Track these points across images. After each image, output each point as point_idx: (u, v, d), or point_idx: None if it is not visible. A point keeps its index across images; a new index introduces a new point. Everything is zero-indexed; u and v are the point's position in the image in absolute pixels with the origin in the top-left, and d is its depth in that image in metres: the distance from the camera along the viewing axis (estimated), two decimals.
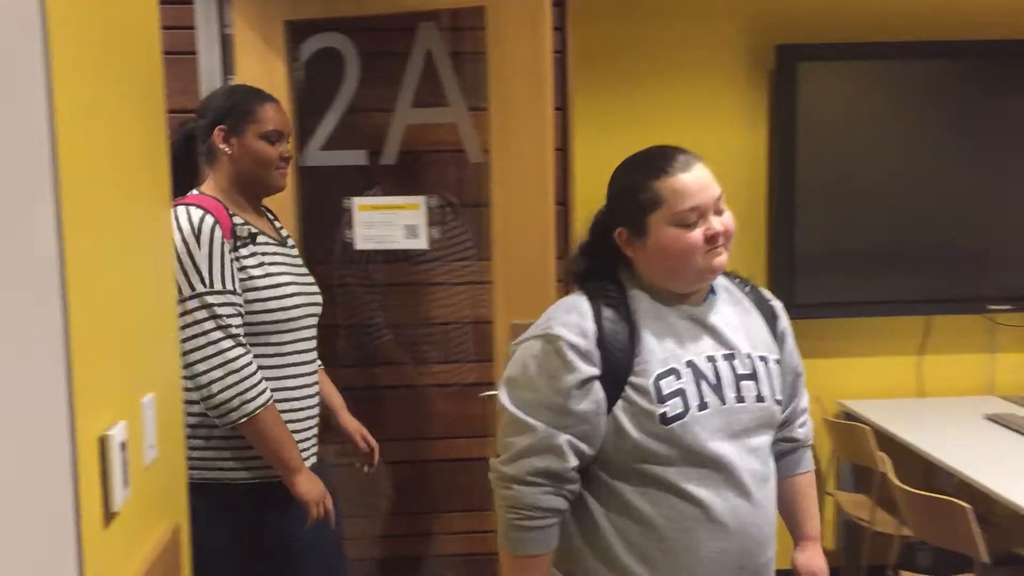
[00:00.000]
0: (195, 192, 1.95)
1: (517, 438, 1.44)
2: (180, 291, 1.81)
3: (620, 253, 1.53)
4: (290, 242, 2.08)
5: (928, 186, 3.29)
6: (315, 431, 2.03)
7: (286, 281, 1.93)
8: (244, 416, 1.80)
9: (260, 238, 1.94)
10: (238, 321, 1.84)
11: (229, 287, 1.83)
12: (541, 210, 2.31)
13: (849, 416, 3.21)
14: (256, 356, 1.87)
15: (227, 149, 1.93)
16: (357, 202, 2.65)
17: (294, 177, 2.55)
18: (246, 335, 1.86)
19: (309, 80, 2.71)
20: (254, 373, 1.82)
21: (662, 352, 1.45)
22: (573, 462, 1.43)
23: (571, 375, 1.42)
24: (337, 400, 2.22)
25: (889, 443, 2.90)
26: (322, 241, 2.75)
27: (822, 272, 3.29)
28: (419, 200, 2.64)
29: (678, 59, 3.24)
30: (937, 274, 3.32)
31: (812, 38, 3.22)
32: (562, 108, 2.88)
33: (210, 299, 1.80)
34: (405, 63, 2.71)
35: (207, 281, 1.81)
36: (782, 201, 3.25)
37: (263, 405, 1.82)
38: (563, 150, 2.92)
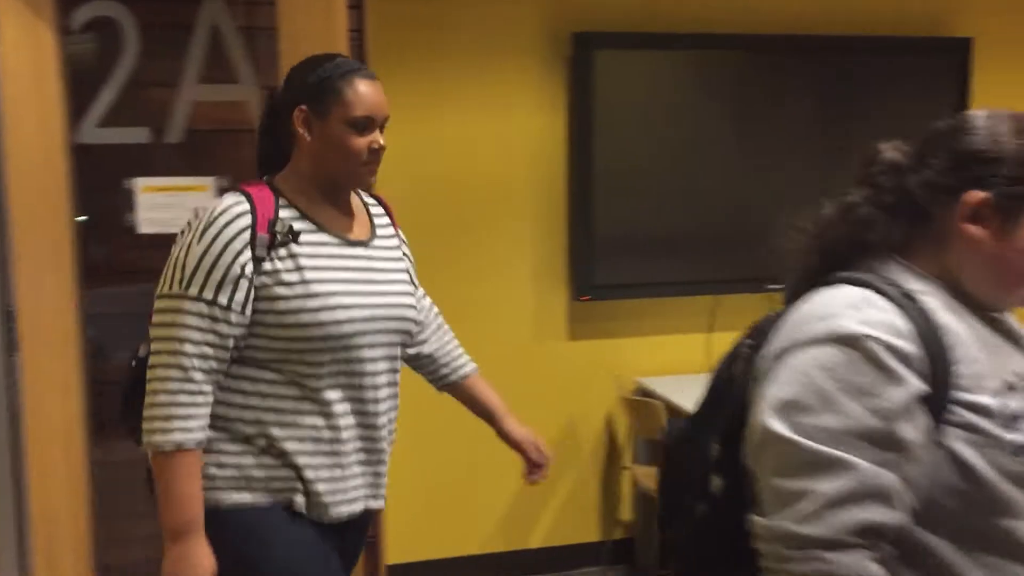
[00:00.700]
0: (263, 178, 1.69)
1: (821, 483, 0.98)
2: (160, 286, 1.59)
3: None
4: (381, 243, 1.74)
5: (716, 173, 3.46)
6: (376, 474, 1.72)
7: (332, 291, 1.60)
8: (150, 446, 1.55)
9: (310, 236, 1.62)
10: (213, 340, 1.55)
11: (220, 299, 1.55)
12: None
13: (645, 392, 3.35)
14: (273, 382, 1.61)
15: (306, 135, 1.63)
16: (140, 183, 2.50)
17: (68, 156, 2.37)
18: (266, 354, 1.60)
19: (84, 51, 2.53)
20: (187, 406, 1.54)
21: (987, 359, 1.05)
22: (901, 515, 0.99)
23: (898, 390, 0.99)
24: (495, 405, 1.93)
25: (680, 417, 3.04)
26: (99, 225, 2.58)
27: (619, 255, 3.40)
28: (208, 181, 2.52)
29: (479, 41, 3.25)
30: (723, 256, 3.50)
31: (610, 26, 3.31)
32: None
33: (185, 306, 1.55)
34: (190, 36, 2.57)
35: (187, 283, 1.55)
36: (580, 185, 3.33)
37: (174, 447, 1.54)
38: None
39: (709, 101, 3.46)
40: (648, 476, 3.27)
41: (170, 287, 1.56)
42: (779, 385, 1.04)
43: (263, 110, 1.73)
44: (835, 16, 3.53)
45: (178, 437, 1.54)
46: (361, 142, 1.62)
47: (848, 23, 3.54)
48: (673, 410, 3.08)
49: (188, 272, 1.55)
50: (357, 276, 1.65)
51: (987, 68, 3.65)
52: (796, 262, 1.24)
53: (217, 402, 1.59)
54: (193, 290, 1.54)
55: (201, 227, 1.57)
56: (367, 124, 1.62)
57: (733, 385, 1.17)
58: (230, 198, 1.61)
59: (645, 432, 3.25)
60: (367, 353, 1.65)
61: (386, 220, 1.79)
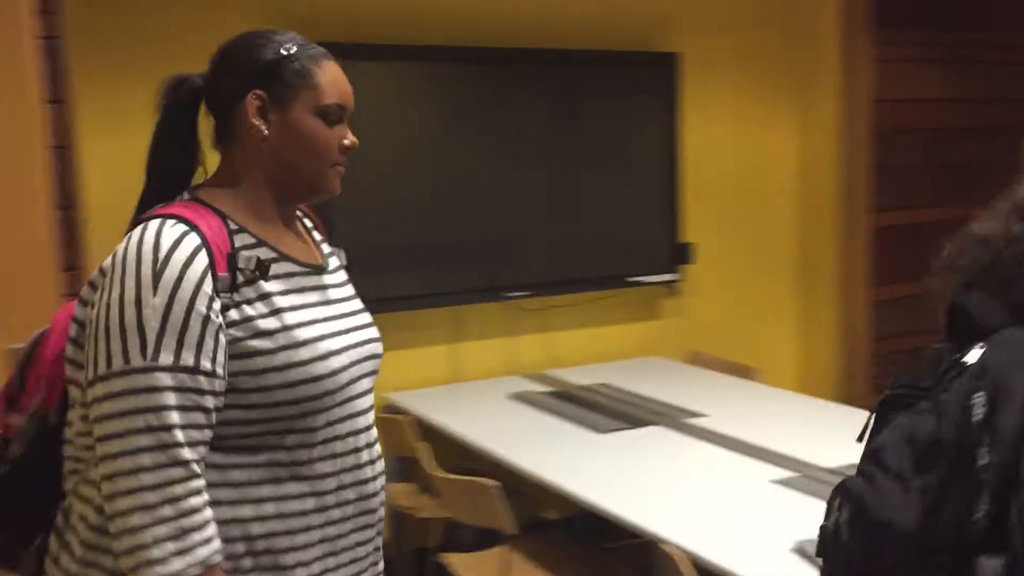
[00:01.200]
0: (184, 196, 1.30)
1: None
2: (97, 364, 1.17)
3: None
4: (334, 262, 1.44)
5: (453, 184, 3.49)
6: (376, 549, 1.39)
7: (318, 334, 1.28)
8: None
9: (275, 268, 1.28)
10: (200, 420, 1.18)
11: (204, 364, 1.17)
12: (34, 217, 2.03)
13: (394, 409, 3.30)
14: (249, 467, 1.23)
15: (263, 128, 1.29)
16: None
17: None
18: (238, 429, 1.22)
19: None
20: (200, 510, 1.17)
21: None
22: None
23: None
24: None
25: (430, 430, 3.02)
26: None
27: (366, 270, 3.32)
28: None
29: (191, 47, 3.07)
30: (464, 267, 3.53)
31: (332, 37, 3.23)
32: (60, 100, 2.57)
33: (160, 380, 1.15)
34: None
35: (153, 350, 1.16)
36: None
37: (202, 568, 1.15)
38: (64, 148, 2.61)
39: (443, 113, 3.49)
40: (400, 493, 3.22)
41: (126, 360, 1.16)
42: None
43: (162, 105, 1.35)
44: (559, 30, 3.67)
45: (203, 553, 1.16)
46: (332, 135, 1.32)
47: (569, 37, 3.69)
48: (423, 424, 3.06)
49: (152, 335, 1.16)
50: (330, 311, 1.34)
51: (694, 80, 3.95)
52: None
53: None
54: (166, 358, 1.16)
55: (148, 273, 1.17)
56: (339, 115, 1.33)
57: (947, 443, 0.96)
58: (170, 230, 1.21)
59: (394, 449, 3.20)
60: (360, 404, 1.35)
61: (318, 235, 1.48)
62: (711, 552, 1.93)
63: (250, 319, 1.23)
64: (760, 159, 4.22)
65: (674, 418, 2.92)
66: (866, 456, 1.05)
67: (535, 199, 3.65)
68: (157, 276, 1.17)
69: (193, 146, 1.35)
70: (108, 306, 1.18)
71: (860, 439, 1.09)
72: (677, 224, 3.94)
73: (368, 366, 1.39)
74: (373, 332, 1.45)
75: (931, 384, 1.04)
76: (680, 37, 3.91)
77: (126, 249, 1.21)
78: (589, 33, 3.74)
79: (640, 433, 2.80)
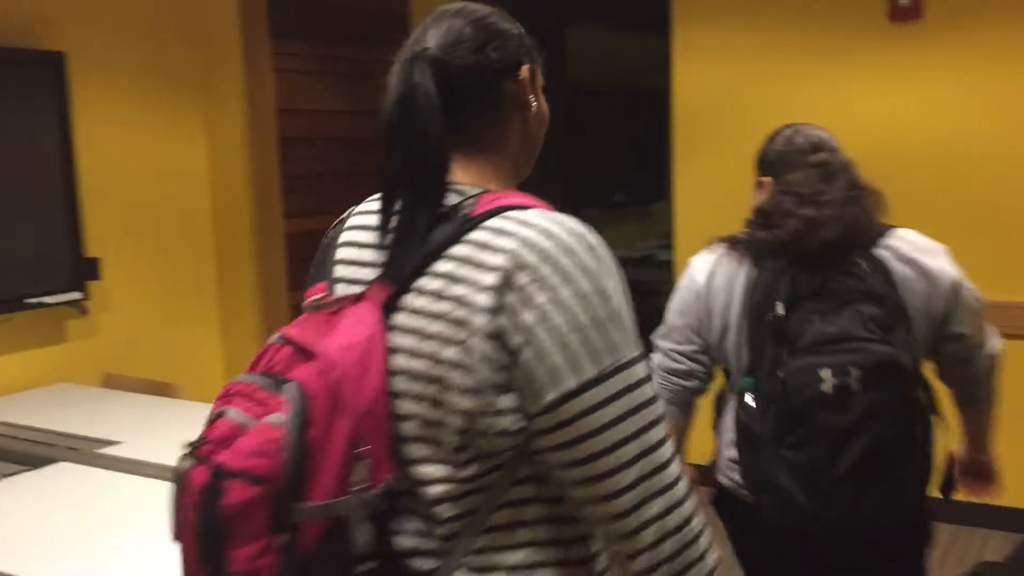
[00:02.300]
0: (466, 185, 1.11)
1: None
2: (578, 369, 0.98)
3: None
4: None
5: None
6: None
7: None
8: None
9: None
10: None
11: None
12: None
13: None
14: None
15: (533, 103, 1.19)
16: None
17: None
18: None
19: None
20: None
21: None
22: None
23: None
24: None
25: None
26: None
27: None
28: None
29: None
30: None
31: None
32: None
33: (640, 372, 1.02)
34: None
35: (636, 338, 1.04)
36: None
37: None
38: None
39: None
40: None
41: (618, 355, 1.01)
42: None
43: (425, 79, 1.08)
44: None
45: (715, 555, 1.06)
46: None
47: None
48: None
49: (628, 323, 1.04)
50: None
51: (87, 83, 3.67)
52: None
53: (547, 520, 1.06)
54: (637, 349, 1.04)
55: (592, 262, 1.03)
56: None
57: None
58: (571, 222, 1.06)
59: None
60: None
61: None
62: None
63: None
64: (169, 168, 4.08)
65: (82, 450, 2.67)
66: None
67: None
68: (602, 262, 1.04)
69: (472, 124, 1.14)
70: (562, 306, 1.00)
71: None
72: (80, 238, 3.62)
73: None
74: None
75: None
76: (67, 35, 3.60)
77: (536, 244, 1.01)
78: None
79: (42, 474, 2.50)
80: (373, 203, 1.19)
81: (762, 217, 1.93)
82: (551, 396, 0.99)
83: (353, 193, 4.85)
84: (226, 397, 1.07)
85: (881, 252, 1.86)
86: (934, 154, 3.84)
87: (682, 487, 1.02)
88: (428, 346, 1.03)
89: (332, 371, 0.99)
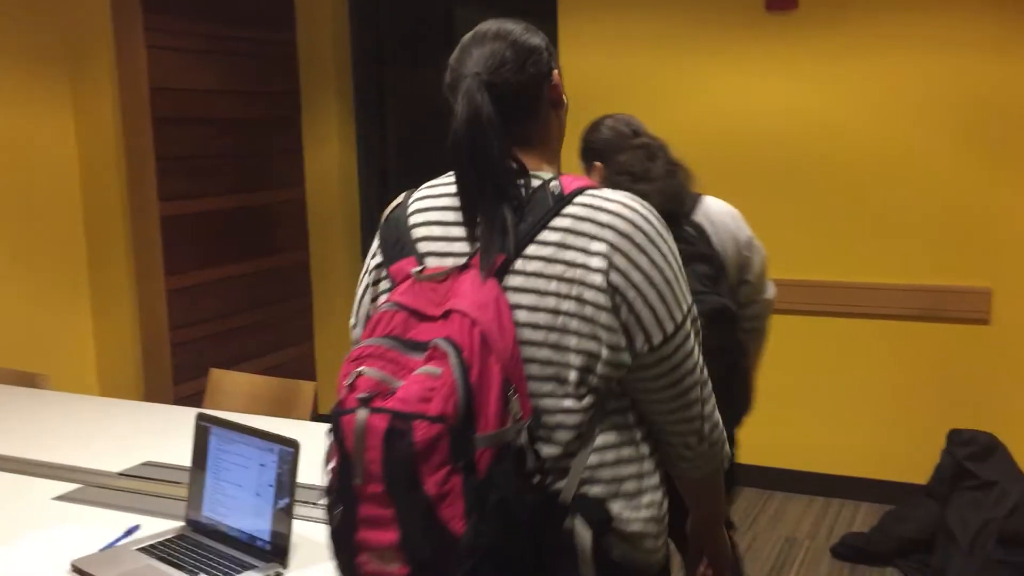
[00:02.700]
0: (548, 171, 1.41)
1: None
2: (672, 315, 1.34)
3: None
4: None
5: None
6: None
7: None
8: (726, 459, 1.51)
9: None
10: None
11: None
12: None
13: None
14: None
15: (566, 101, 1.49)
16: None
17: None
18: None
19: None
20: None
21: None
22: None
23: None
24: None
25: None
26: None
27: None
28: None
29: None
30: None
31: None
32: None
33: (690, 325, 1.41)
34: None
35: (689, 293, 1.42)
36: None
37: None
38: None
39: None
40: None
41: (686, 306, 1.37)
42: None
43: (485, 101, 1.33)
44: None
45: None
46: None
47: None
48: None
49: (684, 280, 1.39)
50: None
51: None
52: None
53: (629, 433, 1.39)
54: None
55: (663, 231, 1.37)
56: None
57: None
58: (640, 201, 1.38)
59: None
60: None
61: None
62: None
63: None
64: (33, 146, 3.88)
65: None
66: None
67: None
68: (666, 230, 1.37)
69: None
70: (651, 271, 1.32)
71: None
72: None
73: None
74: None
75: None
76: None
77: (629, 218, 1.33)
78: None
79: None
80: (436, 189, 1.44)
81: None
82: (657, 338, 1.33)
83: (232, 175, 4.71)
84: (359, 359, 1.27)
85: (699, 218, 2.32)
86: (801, 141, 3.98)
87: (714, 407, 1.45)
88: (547, 301, 1.30)
89: (477, 325, 1.23)
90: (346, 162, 5.06)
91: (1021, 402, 3.76)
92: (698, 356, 1.39)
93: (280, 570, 1.74)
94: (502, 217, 1.31)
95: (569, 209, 1.32)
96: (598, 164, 2.39)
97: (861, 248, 3.96)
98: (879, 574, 3.46)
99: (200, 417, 1.97)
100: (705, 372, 1.41)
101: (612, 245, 1.30)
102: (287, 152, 4.93)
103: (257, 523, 1.80)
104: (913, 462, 3.92)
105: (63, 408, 2.92)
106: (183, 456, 2.39)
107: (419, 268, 1.34)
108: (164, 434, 2.63)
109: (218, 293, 4.48)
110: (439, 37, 5.04)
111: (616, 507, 1.35)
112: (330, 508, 1.28)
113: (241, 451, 1.85)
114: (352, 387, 1.24)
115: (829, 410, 4.03)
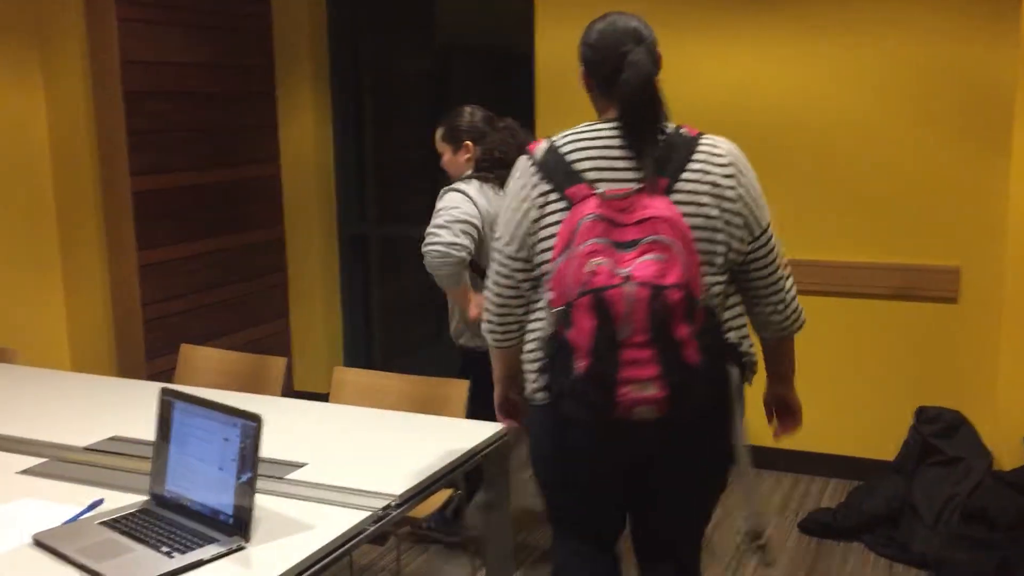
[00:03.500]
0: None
1: None
2: (762, 220, 1.99)
3: None
4: None
5: None
6: None
7: None
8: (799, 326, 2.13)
9: None
10: None
11: None
12: None
13: None
14: None
15: None
16: None
17: None
18: None
19: None
20: None
21: None
22: None
23: None
24: None
25: None
26: None
27: None
28: None
29: None
30: None
31: None
32: None
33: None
34: None
35: None
36: None
37: None
38: None
39: None
40: None
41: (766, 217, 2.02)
42: None
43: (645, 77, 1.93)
44: None
45: None
46: None
47: None
48: None
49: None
50: None
51: None
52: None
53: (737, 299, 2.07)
54: None
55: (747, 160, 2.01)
56: None
57: None
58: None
59: None
60: None
61: None
62: None
63: None
64: (3, 125, 3.84)
65: None
66: None
67: None
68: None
69: None
70: (753, 186, 1.98)
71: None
72: None
73: None
74: None
75: None
76: None
77: (736, 152, 1.98)
78: None
79: None
80: (587, 134, 1.96)
81: (490, 162, 3.07)
82: (759, 230, 1.98)
83: (205, 150, 4.67)
84: (591, 254, 1.81)
85: None
86: (770, 118, 3.99)
87: (792, 284, 2.09)
88: (702, 210, 1.90)
89: (676, 226, 1.82)
90: (321, 137, 5.03)
91: (987, 380, 3.82)
92: (779, 247, 2.02)
93: (243, 544, 1.75)
94: (662, 152, 1.89)
95: (700, 147, 1.93)
96: (468, 143, 3.05)
97: (830, 226, 3.99)
98: (845, 548, 3.50)
99: (164, 392, 1.97)
100: (785, 259, 2.05)
101: (734, 170, 1.94)
102: (261, 127, 4.90)
103: (220, 497, 1.80)
104: (881, 439, 3.96)
105: (32, 383, 2.91)
106: (150, 431, 2.39)
107: (601, 191, 1.86)
108: (133, 409, 2.63)
109: (191, 269, 4.46)
110: (416, 9, 5.01)
111: (744, 346, 2.03)
112: (577, 365, 1.80)
113: (204, 425, 1.86)
114: (594, 272, 1.79)
115: (798, 387, 4.06)
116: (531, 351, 2.03)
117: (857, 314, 4.00)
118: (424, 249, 2.95)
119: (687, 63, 4.08)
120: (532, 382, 2.03)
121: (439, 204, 3.04)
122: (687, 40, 4.08)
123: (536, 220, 1.94)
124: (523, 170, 1.98)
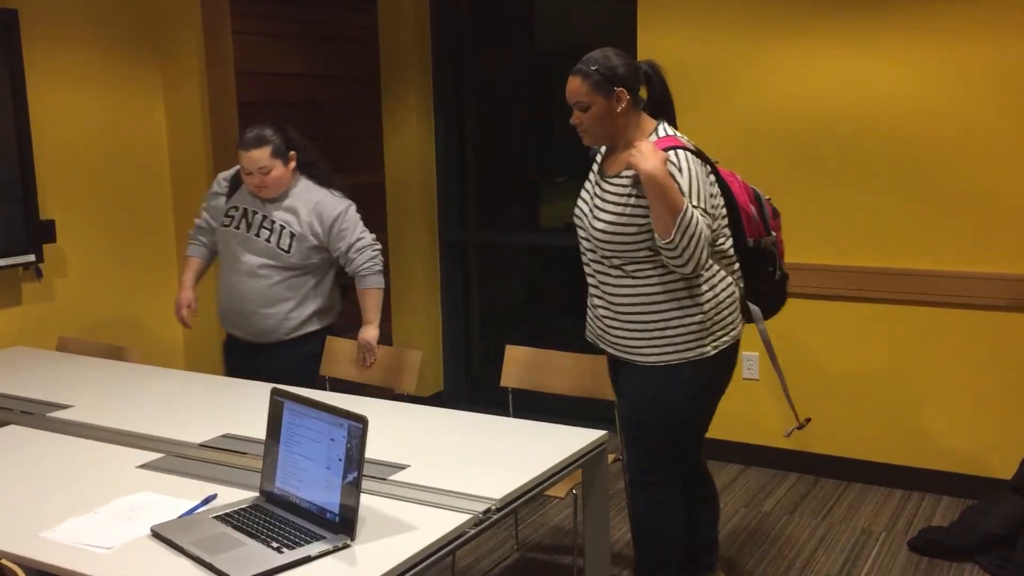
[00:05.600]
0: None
1: None
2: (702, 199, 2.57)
3: None
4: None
5: None
6: None
7: None
8: None
9: None
10: None
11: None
12: None
13: None
14: None
15: None
16: None
17: None
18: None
19: None
20: None
21: None
22: None
23: None
24: None
25: None
26: None
27: None
28: None
29: None
30: None
31: None
32: None
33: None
34: None
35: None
36: None
37: None
38: None
39: None
40: None
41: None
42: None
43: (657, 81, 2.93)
44: None
45: None
46: None
47: None
48: None
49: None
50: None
51: (42, 42, 3.60)
52: None
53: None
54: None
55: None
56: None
57: None
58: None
59: None
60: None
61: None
62: (51, 555, 1.79)
63: None
64: (126, 129, 4.03)
65: (34, 414, 2.66)
66: None
67: None
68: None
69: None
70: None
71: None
72: (34, 200, 3.58)
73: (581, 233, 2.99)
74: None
75: None
76: None
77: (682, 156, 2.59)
78: None
79: None
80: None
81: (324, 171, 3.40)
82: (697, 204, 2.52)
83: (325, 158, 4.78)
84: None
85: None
86: (888, 125, 3.87)
87: None
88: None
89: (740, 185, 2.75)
90: (424, 145, 5.11)
91: None
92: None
93: (348, 542, 1.79)
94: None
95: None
96: (293, 153, 3.21)
97: (951, 237, 3.84)
98: (958, 569, 3.37)
99: (274, 392, 2.03)
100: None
101: (678, 168, 2.53)
102: (368, 136, 5.01)
103: (327, 496, 1.85)
104: (998, 457, 3.80)
105: (150, 381, 3.04)
106: (261, 430, 2.47)
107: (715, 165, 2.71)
108: (244, 408, 2.72)
109: None
110: (518, 22, 5.05)
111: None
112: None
113: (312, 425, 1.91)
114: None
115: (912, 401, 3.93)
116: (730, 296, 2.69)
117: (976, 327, 3.85)
118: (377, 258, 3.32)
119: (784, 68, 4.00)
120: (732, 325, 2.68)
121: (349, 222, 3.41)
122: (798, 40, 3.99)
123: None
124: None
